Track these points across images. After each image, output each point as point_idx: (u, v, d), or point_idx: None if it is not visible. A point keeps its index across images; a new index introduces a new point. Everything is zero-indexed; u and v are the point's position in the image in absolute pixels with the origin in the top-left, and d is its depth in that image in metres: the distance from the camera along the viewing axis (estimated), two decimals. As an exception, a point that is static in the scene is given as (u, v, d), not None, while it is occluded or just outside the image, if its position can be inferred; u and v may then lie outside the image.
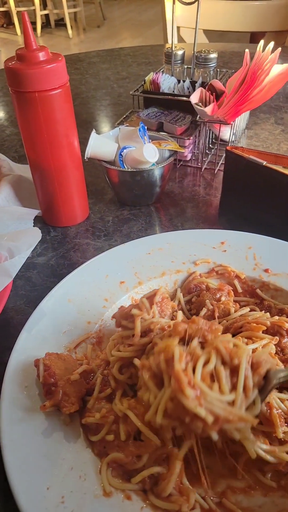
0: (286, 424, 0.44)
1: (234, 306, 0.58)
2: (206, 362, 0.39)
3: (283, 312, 0.59)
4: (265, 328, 0.51)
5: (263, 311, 0.58)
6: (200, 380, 0.37)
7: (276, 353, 0.51)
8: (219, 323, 0.55)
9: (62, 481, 0.40)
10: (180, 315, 0.53)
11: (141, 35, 5.76)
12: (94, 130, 0.80)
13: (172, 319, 0.57)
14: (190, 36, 2.16)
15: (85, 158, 0.79)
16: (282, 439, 0.43)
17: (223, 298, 0.60)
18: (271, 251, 0.66)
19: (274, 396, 0.45)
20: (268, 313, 0.56)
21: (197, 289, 0.63)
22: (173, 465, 0.42)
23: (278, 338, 0.50)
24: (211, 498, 0.43)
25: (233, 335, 0.52)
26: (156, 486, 0.42)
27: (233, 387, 0.38)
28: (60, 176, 0.74)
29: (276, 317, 0.54)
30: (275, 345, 0.51)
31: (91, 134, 0.78)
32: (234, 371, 0.39)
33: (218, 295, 0.60)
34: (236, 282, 0.64)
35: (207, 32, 2.19)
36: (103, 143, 0.79)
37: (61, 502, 0.38)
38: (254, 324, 0.51)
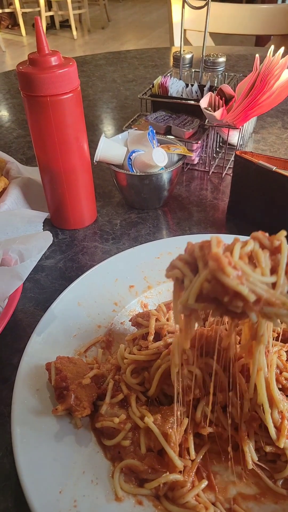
0: None
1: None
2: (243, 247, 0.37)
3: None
4: (276, 334, 0.51)
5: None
6: (239, 260, 0.36)
7: (287, 359, 0.51)
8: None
9: (75, 485, 0.40)
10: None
11: (146, 37, 5.77)
12: (103, 134, 0.80)
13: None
14: (196, 39, 2.17)
15: (94, 161, 0.79)
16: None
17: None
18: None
19: (286, 406, 0.45)
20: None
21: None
22: (200, 476, 0.43)
23: (289, 345, 0.50)
24: (222, 504, 0.43)
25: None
26: (172, 492, 0.42)
27: (273, 271, 0.37)
28: (69, 179, 0.75)
29: None
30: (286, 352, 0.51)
31: (101, 138, 0.78)
32: (274, 253, 0.37)
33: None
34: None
35: (211, 35, 2.20)
36: (112, 147, 0.80)
37: (74, 506, 0.39)
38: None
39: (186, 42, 2.11)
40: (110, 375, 0.50)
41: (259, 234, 0.39)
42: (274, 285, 0.36)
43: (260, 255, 0.36)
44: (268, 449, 0.45)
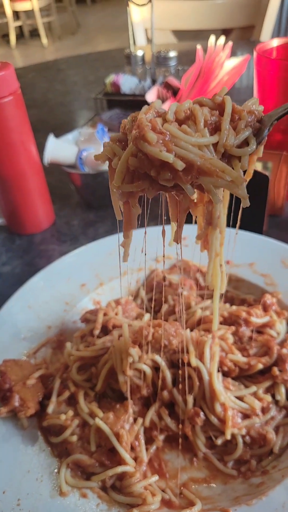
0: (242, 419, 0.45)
1: (195, 299, 0.59)
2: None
3: (245, 302, 0.60)
4: (222, 319, 0.52)
5: (227, 303, 0.59)
6: (172, 124, 0.31)
7: (234, 342, 0.51)
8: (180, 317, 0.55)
9: (19, 484, 0.40)
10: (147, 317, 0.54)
11: (117, 39, 5.78)
12: (51, 134, 0.80)
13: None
14: (160, 38, 2.17)
15: (45, 163, 0.79)
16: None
17: (185, 293, 0.60)
18: (231, 243, 0.66)
19: (230, 397, 0.45)
20: (227, 304, 0.56)
21: (159, 286, 0.64)
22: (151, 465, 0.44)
23: (234, 328, 0.51)
24: (172, 490, 0.43)
25: (192, 329, 0.52)
26: (120, 482, 0.42)
27: (217, 129, 0.32)
28: (19, 183, 0.74)
29: (234, 307, 0.54)
30: (233, 334, 0.51)
31: (48, 139, 0.78)
32: (216, 109, 0.33)
33: (180, 290, 0.61)
34: (198, 276, 0.64)
35: (180, 33, 2.21)
36: (62, 147, 0.80)
37: (17, 504, 0.38)
38: (211, 316, 0.52)
39: (149, 41, 2.12)
40: (58, 374, 0.50)
41: (200, 97, 0.34)
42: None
43: (197, 111, 0.31)
44: (219, 441, 0.45)
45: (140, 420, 0.46)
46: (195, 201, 0.37)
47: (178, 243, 0.38)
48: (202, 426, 0.45)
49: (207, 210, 0.35)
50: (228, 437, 0.44)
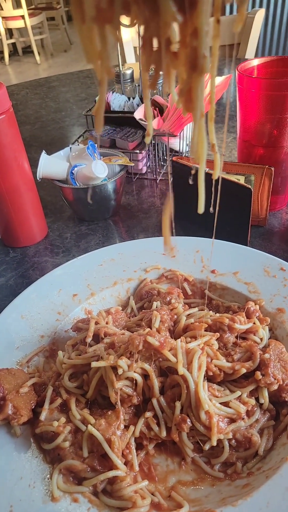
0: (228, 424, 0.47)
1: (183, 307, 0.61)
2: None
3: (230, 309, 0.62)
4: (206, 325, 0.54)
5: (212, 311, 0.61)
6: None
7: (219, 348, 0.53)
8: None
9: (11, 490, 0.41)
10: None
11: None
12: (44, 151, 0.82)
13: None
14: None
15: (38, 178, 0.82)
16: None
17: (173, 301, 0.62)
18: (216, 252, 0.68)
19: (216, 404, 0.47)
20: (211, 312, 0.59)
21: (148, 295, 0.66)
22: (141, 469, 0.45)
23: (218, 334, 0.53)
24: (161, 493, 0.44)
25: (178, 337, 0.54)
26: (111, 486, 0.44)
27: None
28: (13, 199, 0.76)
29: (217, 315, 0.56)
30: (218, 340, 0.53)
31: (41, 155, 0.81)
32: None
33: (168, 299, 0.63)
34: (185, 285, 0.66)
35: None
36: (53, 163, 0.82)
37: (10, 511, 0.39)
38: (197, 323, 0.54)
39: (139, 59, 2.18)
40: (50, 382, 0.51)
41: None
42: None
43: None
44: (207, 447, 0.46)
45: (131, 429, 0.47)
46: (176, 49, 0.28)
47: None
48: (189, 432, 0.46)
49: (191, 49, 0.28)
50: (214, 443, 0.45)
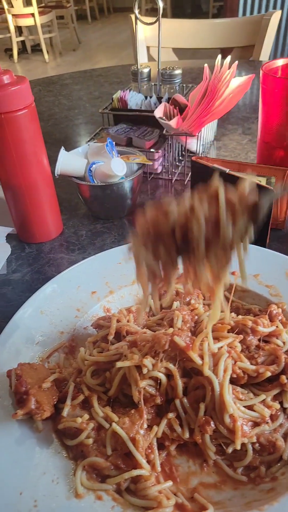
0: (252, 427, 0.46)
1: (203, 308, 0.60)
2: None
3: (250, 312, 0.61)
4: (229, 327, 0.53)
5: (231, 312, 0.60)
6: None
7: (241, 350, 0.52)
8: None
9: (35, 486, 0.41)
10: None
11: (116, 57, 5.90)
12: (63, 148, 0.82)
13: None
14: (162, 55, 2.23)
15: (56, 175, 0.81)
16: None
17: (192, 301, 0.62)
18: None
19: (240, 407, 0.46)
20: (233, 313, 0.58)
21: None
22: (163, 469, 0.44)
23: (242, 336, 0.52)
24: (183, 494, 0.44)
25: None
26: (135, 485, 0.43)
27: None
28: (31, 194, 0.76)
29: (240, 317, 0.56)
30: (241, 342, 0.53)
31: (60, 151, 0.81)
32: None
33: (187, 299, 0.62)
34: (205, 285, 0.66)
35: (179, 51, 2.27)
36: (72, 160, 0.82)
37: (34, 506, 0.39)
38: (219, 325, 0.53)
39: (151, 58, 2.18)
40: (71, 378, 0.51)
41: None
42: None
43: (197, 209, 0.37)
44: (230, 450, 0.46)
45: (154, 429, 0.47)
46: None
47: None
48: (212, 434, 0.46)
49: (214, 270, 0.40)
50: (238, 447, 0.45)
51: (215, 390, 0.46)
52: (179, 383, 0.47)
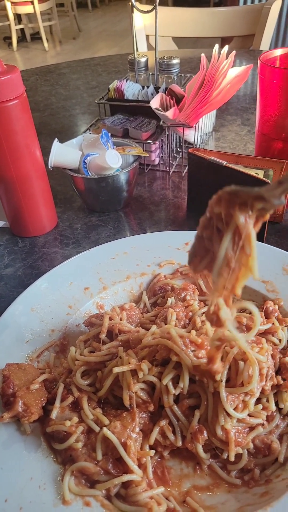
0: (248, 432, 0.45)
1: (198, 304, 0.59)
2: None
3: (246, 308, 0.59)
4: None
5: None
6: None
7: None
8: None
9: (21, 492, 0.39)
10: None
11: (117, 45, 5.81)
12: (56, 139, 0.80)
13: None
14: (161, 44, 2.18)
15: (49, 167, 0.79)
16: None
17: (187, 297, 0.60)
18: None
19: (231, 421, 0.44)
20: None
21: (162, 291, 0.63)
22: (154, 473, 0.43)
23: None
24: (175, 498, 0.43)
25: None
26: (126, 490, 0.42)
27: None
28: (23, 187, 0.74)
29: (235, 313, 0.54)
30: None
31: (53, 143, 0.78)
32: None
33: (182, 295, 0.60)
34: (200, 281, 0.64)
35: (180, 40, 2.22)
36: (66, 151, 0.80)
37: (19, 513, 0.38)
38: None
39: (150, 47, 2.13)
40: (61, 378, 0.50)
41: None
42: None
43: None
44: (225, 455, 0.44)
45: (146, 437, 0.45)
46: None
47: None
48: (204, 445, 0.44)
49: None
50: (232, 459, 0.43)
51: (209, 400, 0.44)
52: (172, 388, 0.45)
